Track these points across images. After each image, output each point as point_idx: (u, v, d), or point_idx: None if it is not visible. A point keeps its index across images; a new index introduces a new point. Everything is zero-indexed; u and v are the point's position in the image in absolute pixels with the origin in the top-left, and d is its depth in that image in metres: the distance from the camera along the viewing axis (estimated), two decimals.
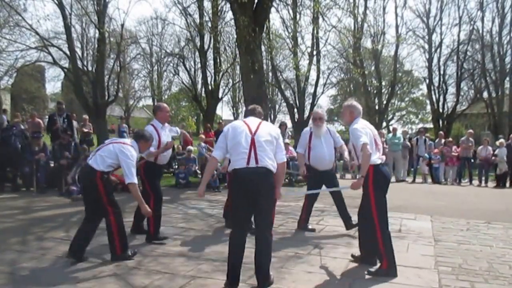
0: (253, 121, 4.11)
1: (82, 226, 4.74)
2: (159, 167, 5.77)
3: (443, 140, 15.36)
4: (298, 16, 17.32)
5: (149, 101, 48.74)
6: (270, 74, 29.81)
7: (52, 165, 10.23)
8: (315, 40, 25.53)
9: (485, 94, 29.96)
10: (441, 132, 17.68)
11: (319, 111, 6.50)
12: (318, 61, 26.50)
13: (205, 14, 21.30)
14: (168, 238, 5.62)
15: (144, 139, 4.95)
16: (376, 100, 31.63)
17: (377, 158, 4.46)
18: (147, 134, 5.04)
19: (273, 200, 3.97)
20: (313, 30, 22.49)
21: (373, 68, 32.19)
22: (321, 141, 6.12)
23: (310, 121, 5.78)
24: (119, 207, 4.78)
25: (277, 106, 44.09)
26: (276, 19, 63.04)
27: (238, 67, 26.46)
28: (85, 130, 14.85)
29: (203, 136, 14.21)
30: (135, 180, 4.60)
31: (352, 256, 4.87)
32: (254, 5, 11.46)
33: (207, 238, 5.79)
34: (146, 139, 4.97)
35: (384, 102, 32.37)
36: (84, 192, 4.88)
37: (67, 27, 20.56)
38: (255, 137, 3.89)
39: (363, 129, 4.42)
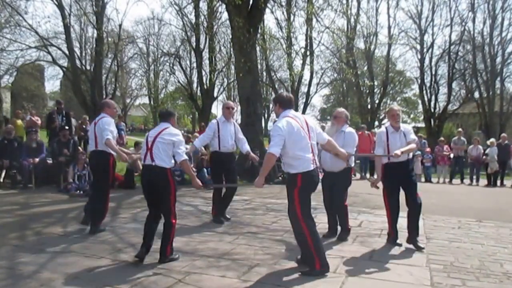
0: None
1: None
2: None
3: (424, 141, 15.52)
4: (292, 17, 17.42)
5: (146, 100, 48.69)
6: (264, 73, 29.96)
7: (50, 162, 10.26)
8: (308, 41, 25.73)
9: (476, 94, 30.17)
10: (420, 134, 17.80)
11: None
12: (311, 61, 26.68)
13: (201, 14, 21.38)
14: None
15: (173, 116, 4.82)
16: (369, 100, 31.82)
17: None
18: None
19: None
20: (307, 30, 22.69)
21: (365, 68, 32.35)
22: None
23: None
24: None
25: (270, 105, 44.19)
26: (270, 20, 63.02)
27: (233, 67, 26.60)
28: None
29: (198, 135, 14.24)
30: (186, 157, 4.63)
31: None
32: (249, 7, 11.54)
33: (202, 234, 5.81)
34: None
35: (377, 101, 32.59)
36: (154, 191, 4.62)
37: (66, 27, 20.57)
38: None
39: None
